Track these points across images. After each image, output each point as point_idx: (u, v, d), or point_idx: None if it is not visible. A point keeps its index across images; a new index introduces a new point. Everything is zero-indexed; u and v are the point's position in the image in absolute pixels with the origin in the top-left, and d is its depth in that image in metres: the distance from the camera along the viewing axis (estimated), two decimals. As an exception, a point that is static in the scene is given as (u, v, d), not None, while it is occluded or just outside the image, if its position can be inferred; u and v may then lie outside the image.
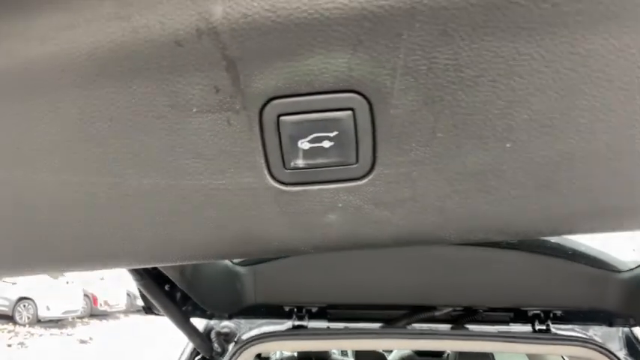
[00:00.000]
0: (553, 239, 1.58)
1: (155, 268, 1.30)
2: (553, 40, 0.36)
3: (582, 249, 1.60)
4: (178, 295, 1.59)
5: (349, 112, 0.40)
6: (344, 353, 3.39)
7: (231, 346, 1.77)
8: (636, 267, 1.57)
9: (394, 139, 0.42)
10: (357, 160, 0.43)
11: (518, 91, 0.39)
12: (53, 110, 0.43)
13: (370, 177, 0.44)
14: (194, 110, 0.41)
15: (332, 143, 0.42)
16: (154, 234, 0.50)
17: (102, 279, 15.35)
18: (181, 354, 1.83)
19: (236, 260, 1.65)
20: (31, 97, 0.42)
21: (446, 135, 0.41)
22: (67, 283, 14.10)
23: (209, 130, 0.42)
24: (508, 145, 0.41)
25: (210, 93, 0.40)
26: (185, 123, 0.42)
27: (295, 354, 2.78)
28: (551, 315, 1.70)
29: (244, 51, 0.37)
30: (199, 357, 1.78)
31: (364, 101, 0.40)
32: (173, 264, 0.54)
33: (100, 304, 15.05)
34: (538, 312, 1.70)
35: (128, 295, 15.50)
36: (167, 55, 0.38)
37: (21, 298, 13.01)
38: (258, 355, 2.17)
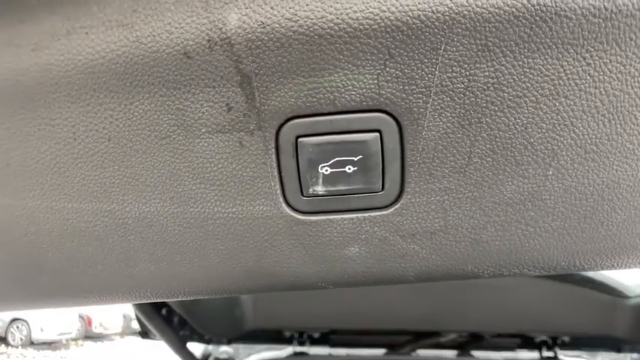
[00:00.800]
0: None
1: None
2: (603, 58, 0.34)
3: (590, 274, 1.57)
4: (176, 319, 1.56)
5: (376, 135, 0.37)
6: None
7: (229, 373, 1.73)
8: (645, 293, 1.54)
9: (425, 164, 0.38)
10: (382, 188, 0.40)
11: (563, 114, 0.36)
12: (44, 128, 0.39)
13: (397, 206, 0.40)
14: (203, 130, 0.38)
15: (355, 168, 0.38)
16: (156, 267, 0.46)
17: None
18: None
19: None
20: (21, 111, 0.39)
21: (482, 160, 0.38)
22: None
23: (219, 152, 0.39)
24: (550, 173, 0.38)
25: (221, 111, 0.37)
26: (192, 144, 0.38)
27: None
28: (559, 341, 1.67)
29: (261, 65, 0.34)
30: (196, 383, 1.73)
31: (393, 122, 0.37)
32: (177, 299, 0.50)
33: (95, 326, 14.82)
34: (545, 338, 1.67)
35: (124, 317, 15.28)
36: (174, 68, 0.35)
37: (14, 319, 12.83)
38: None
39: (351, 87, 0.35)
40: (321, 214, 0.41)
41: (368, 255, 0.44)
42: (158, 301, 0.51)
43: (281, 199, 0.41)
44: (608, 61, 0.34)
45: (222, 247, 0.44)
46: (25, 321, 12.80)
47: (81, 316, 14.48)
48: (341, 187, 0.39)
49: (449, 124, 0.36)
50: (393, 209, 0.41)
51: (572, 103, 0.35)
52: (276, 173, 0.39)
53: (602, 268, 0.45)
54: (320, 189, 0.39)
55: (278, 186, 0.40)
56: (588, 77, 0.34)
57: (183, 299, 0.50)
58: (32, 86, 0.38)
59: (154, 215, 0.42)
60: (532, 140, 0.37)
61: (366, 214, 0.41)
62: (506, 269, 0.44)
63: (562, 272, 0.45)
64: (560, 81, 0.34)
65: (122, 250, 0.45)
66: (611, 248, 0.43)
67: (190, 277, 0.46)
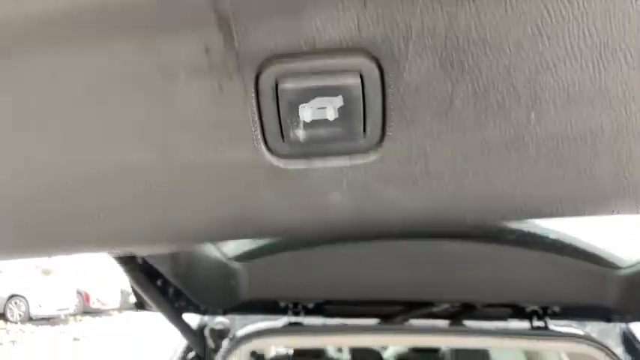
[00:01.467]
0: (552, 234, 1.57)
1: (147, 262, 1.27)
2: None
3: (581, 245, 1.58)
4: (171, 290, 1.57)
5: (357, 78, 0.37)
6: (340, 350, 3.38)
7: (225, 343, 1.74)
8: (635, 264, 1.56)
9: (407, 108, 0.38)
10: (364, 133, 0.39)
11: (546, 56, 0.35)
12: (23, 72, 0.38)
13: (379, 152, 0.40)
14: (181, 75, 0.37)
15: (337, 114, 0.38)
16: (138, 214, 0.46)
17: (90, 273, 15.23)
18: (174, 351, 1.80)
19: (230, 255, 1.62)
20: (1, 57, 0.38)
21: (464, 104, 0.37)
22: (59, 279, 14.03)
23: (198, 97, 0.38)
24: (532, 117, 0.38)
25: (199, 54, 0.36)
26: (171, 89, 0.38)
27: (291, 351, 2.76)
28: (549, 311, 1.70)
29: (239, 4, 0.34)
30: (192, 354, 1.75)
31: (374, 65, 0.36)
32: (162, 249, 0.50)
33: (93, 302, 14.96)
34: (536, 308, 1.69)
35: (122, 292, 15.42)
36: (151, 10, 0.34)
37: (12, 295, 12.92)
38: (253, 353, 2.15)
39: (330, 27, 0.34)
40: (302, 159, 0.41)
41: (350, 202, 0.44)
42: (146, 249, 0.52)
43: (262, 145, 0.40)
44: (592, 0, 0.33)
45: (204, 194, 0.44)
46: (24, 297, 12.90)
47: (79, 292, 14.60)
48: (322, 132, 0.39)
49: (430, 67, 0.36)
50: (374, 155, 0.41)
51: (554, 44, 0.35)
52: (256, 118, 0.39)
53: (585, 214, 0.45)
54: (301, 134, 0.39)
55: (259, 131, 0.40)
56: (572, 17, 0.34)
57: (170, 246, 0.50)
58: (13, 33, 0.37)
59: (133, 163, 0.42)
60: (514, 83, 0.36)
61: (348, 161, 0.41)
62: (488, 214, 0.45)
63: (545, 217, 0.45)
64: (543, 22, 0.34)
65: (104, 199, 0.45)
66: (593, 195, 0.43)
67: (176, 225, 0.46)
